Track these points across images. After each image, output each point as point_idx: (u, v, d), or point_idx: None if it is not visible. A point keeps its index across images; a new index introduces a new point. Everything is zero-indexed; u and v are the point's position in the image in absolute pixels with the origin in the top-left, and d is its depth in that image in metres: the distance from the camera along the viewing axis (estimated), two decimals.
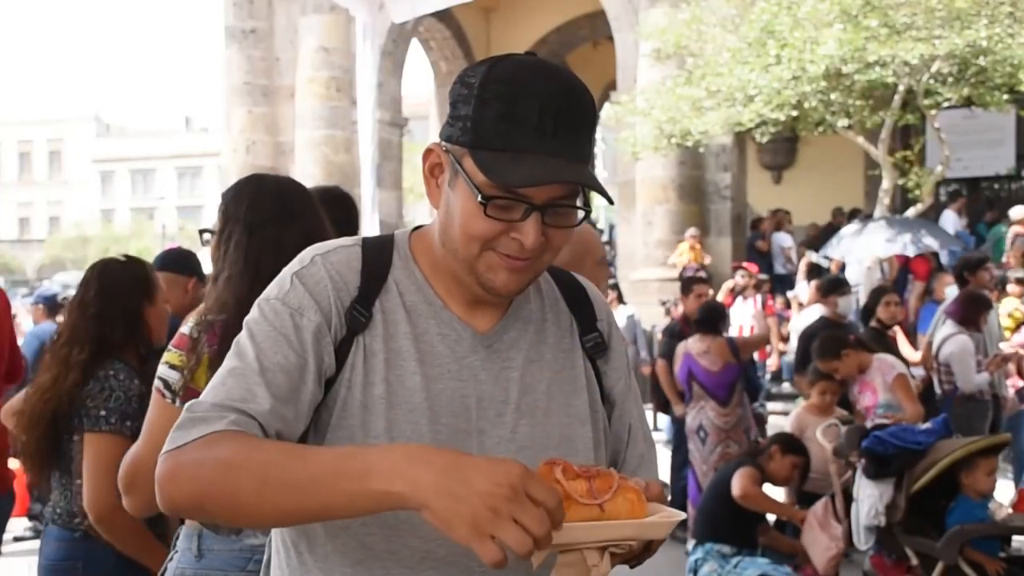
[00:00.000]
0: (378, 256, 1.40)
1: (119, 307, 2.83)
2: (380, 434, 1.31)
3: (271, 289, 1.38)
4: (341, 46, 15.51)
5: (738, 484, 5.06)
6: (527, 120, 1.25)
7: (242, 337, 1.34)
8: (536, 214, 1.27)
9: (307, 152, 15.74)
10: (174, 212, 52.90)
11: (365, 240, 1.43)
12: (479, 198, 1.26)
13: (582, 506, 1.14)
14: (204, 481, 1.20)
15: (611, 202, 1.32)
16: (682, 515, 1.21)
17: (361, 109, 5.26)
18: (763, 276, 11.64)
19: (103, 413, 2.67)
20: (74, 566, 2.79)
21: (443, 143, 1.34)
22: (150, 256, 4.28)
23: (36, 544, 7.60)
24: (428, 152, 1.37)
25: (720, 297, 10.45)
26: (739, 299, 10.38)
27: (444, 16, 17.77)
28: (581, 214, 1.32)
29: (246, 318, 1.37)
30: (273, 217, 2.25)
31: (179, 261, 4.00)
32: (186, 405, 1.29)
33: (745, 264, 11.72)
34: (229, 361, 1.33)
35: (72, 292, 3.26)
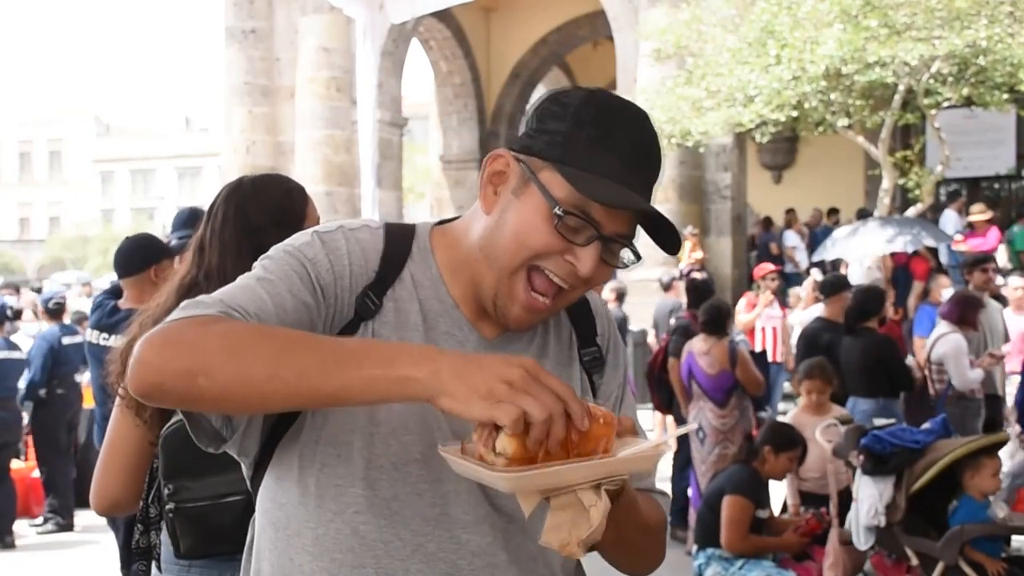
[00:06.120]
0: (399, 245, 1.39)
1: None
2: (381, 420, 1.29)
3: (289, 240, 1.35)
4: (341, 46, 15.53)
5: (725, 538, 4.93)
6: (619, 150, 1.29)
7: (255, 268, 1.32)
8: (598, 243, 1.30)
9: (307, 152, 15.75)
10: (174, 212, 52.79)
11: (389, 226, 1.41)
12: (556, 210, 1.27)
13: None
14: (205, 351, 1.12)
15: (674, 252, 1.32)
16: (668, 445, 1.21)
17: (361, 109, 5.28)
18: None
19: None
20: None
21: (516, 153, 1.33)
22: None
23: (57, 538, 7.65)
24: (496, 157, 1.35)
25: (744, 303, 10.44)
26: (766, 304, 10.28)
27: (444, 16, 17.77)
28: (631, 258, 1.35)
29: (259, 259, 1.34)
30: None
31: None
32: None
33: (768, 266, 11.65)
34: (240, 280, 1.29)
35: (71, 292, 3.24)
